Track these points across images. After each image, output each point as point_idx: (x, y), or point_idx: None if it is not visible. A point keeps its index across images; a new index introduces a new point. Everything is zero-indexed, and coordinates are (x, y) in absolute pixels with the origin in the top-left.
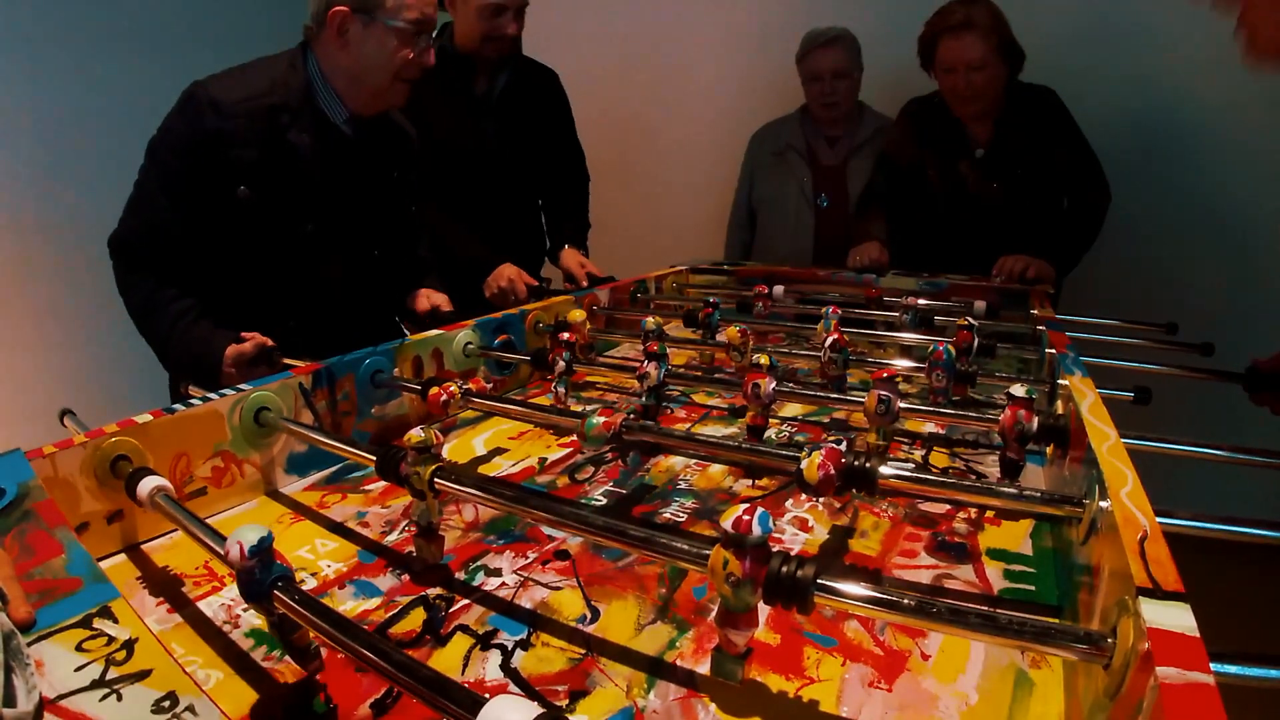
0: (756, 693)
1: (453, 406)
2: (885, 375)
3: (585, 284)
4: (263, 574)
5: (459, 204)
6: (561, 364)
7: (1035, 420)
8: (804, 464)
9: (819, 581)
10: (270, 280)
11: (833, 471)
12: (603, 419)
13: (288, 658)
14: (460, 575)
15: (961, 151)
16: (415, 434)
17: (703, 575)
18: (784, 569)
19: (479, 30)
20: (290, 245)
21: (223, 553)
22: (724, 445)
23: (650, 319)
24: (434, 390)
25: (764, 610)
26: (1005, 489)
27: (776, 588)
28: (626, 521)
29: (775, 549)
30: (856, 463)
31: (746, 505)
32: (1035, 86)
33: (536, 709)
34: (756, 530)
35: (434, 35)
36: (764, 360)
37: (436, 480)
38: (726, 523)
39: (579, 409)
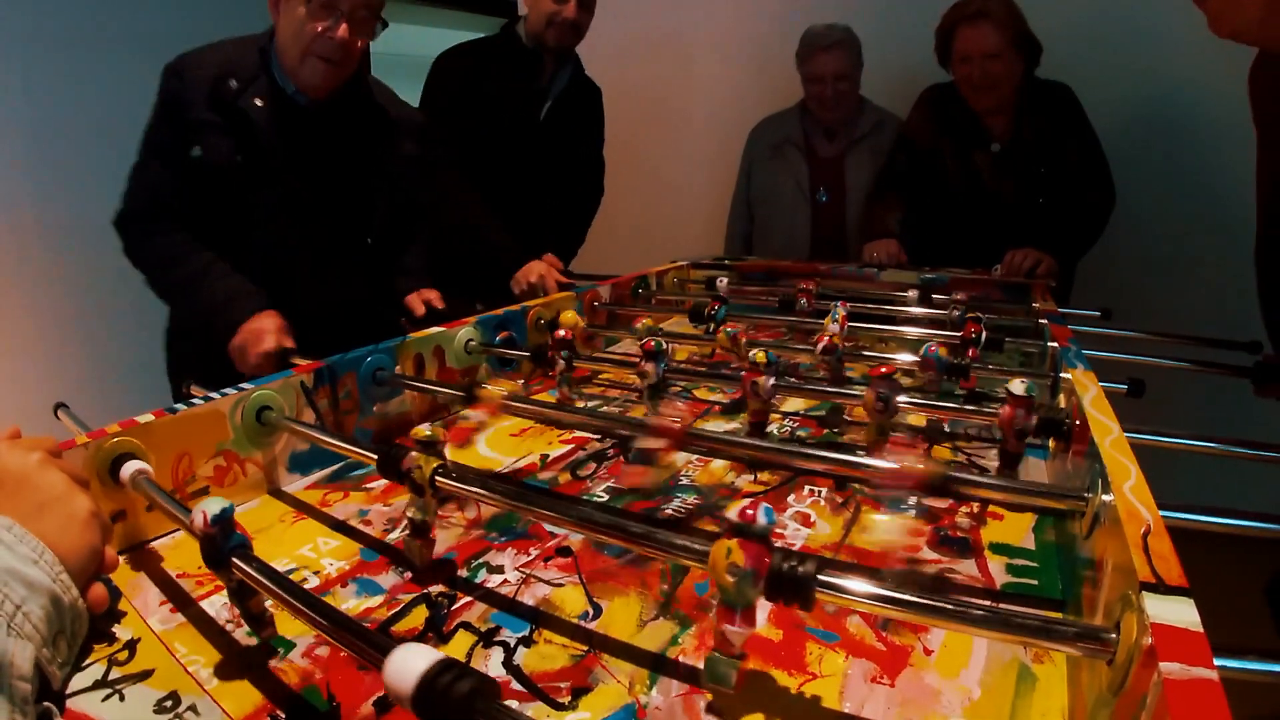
0: (759, 688)
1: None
2: (883, 372)
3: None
4: (223, 541)
5: (488, 189)
6: (561, 363)
7: (1034, 418)
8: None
9: (819, 577)
10: (248, 251)
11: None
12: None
13: (290, 658)
14: (462, 572)
15: (978, 144)
16: (423, 429)
17: (705, 571)
18: (785, 565)
19: (544, 12)
20: (256, 213)
21: (188, 522)
22: (776, 448)
23: (644, 321)
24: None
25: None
26: (1008, 483)
27: (778, 583)
28: (628, 518)
29: (778, 544)
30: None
31: (750, 499)
32: (1052, 83)
33: (437, 654)
34: (762, 520)
35: (378, 17)
36: (760, 357)
37: (437, 478)
38: (731, 513)
39: (582, 405)
